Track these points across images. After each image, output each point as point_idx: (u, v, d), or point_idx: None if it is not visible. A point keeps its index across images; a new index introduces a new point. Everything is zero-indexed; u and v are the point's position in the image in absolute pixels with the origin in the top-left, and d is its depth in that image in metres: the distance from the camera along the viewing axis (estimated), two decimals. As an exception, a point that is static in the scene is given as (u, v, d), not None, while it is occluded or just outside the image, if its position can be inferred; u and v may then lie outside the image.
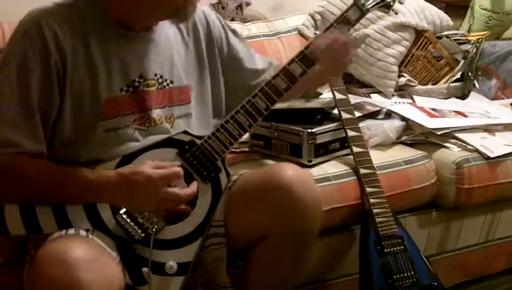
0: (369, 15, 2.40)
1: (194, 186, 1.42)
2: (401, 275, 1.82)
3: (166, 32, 1.52)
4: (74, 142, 1.40)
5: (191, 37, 1.57)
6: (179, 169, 1.39)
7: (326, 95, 2.11)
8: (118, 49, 1.43)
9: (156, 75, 1.48)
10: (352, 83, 2.55)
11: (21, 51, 1.34)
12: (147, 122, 1.46)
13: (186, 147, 1.44)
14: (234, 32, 1.68)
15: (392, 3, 1.59)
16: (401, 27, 2.45)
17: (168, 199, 1.37)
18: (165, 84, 1.49)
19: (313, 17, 2.55)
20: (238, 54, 1.65)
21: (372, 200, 1.85)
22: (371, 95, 2.47)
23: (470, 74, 2.50)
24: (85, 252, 1.21)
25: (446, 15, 2.59)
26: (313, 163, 1.93)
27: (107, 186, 1.37)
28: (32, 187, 1.35)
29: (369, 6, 1.55)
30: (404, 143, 2.18)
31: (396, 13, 1.64)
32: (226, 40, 1.64)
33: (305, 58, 1.50)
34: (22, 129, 1.34)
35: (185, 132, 1.45)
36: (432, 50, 2.50)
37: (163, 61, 1.49)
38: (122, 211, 1.38)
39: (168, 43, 1.51)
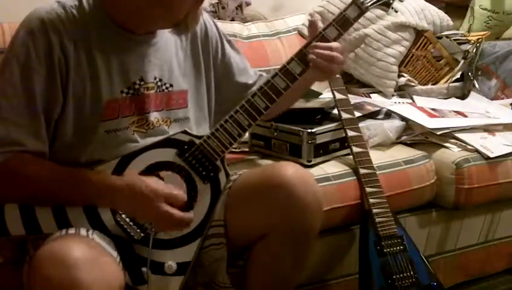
0: (369, 15, 2.41)
1: (191, 213, 1.41)
2: (401, 275, 1.82)
3: (166, 36, 1.52)
4: (75, 143, 1.39)
5: (189, 42, 1.58)
6: (183, 194, 1.39)
7: (326, 95, 2.11)
8: (119, 51, 1.43)
9: (155, 78, 1.48)
10: (352, 83, 2.55)
11: (25, 50, 1.34)
12: (145, 125, 1.46)
13: (185, 147, 1.44)
14: (230, 43, 1.68)
15: (391, 1, 1.59)
16: (401, 27, 2.45)
17: (164, 217, 1.35)
18: (163, 87, 1.49)
19: (312, 17, 2.55)
20: (232, 65, 1.66)
21: (372, 200, 1.85)
22: (371, 95, 2.47)
23: (469, 74, 2.50)
24: (84, 252, 1.21)
25: (446, 15, 2.59)
26: (312, 163, 1.93)
27: (109, 191, 1.36)
28: (35, 186, 1.35)
29: (368, 4, 1.55)
30: (404, 143, 2.18)
31: (396, 11, 1.64)
32: (222, 49, 1.64)
33: (304, 57, 1.50)
34: (25, 128, 1.34)
35: (184, 132, 1.45)
36: (432, 50, 2.50)
37: (163, 65, 1.50)
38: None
39: (168, 47, 1.52)
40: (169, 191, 1.36)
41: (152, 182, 1.36)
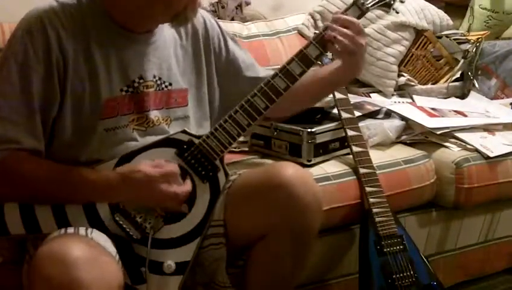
0: (368, 14, 2.40)
1: (188, 184, 1.42)
2: (401, 275, 1.82)
3: (166, 35, 1.52)
4: (74, 142, 1.40)
5: (190, 42, 1.58)
6: (176, 167, 1.40)
7: (326, 94, 2.10)
8: (118, 50, 1.43)
9: (154, 76, 1.48)
10: (352, 82, 2.55)
11: (23, 49, 1.34)
12: (145, 123, 1.46)
13: (185, 146, 1.44)
14: (233, 39, 1.68)
15: (392, 2, 1.59)
16: (400, 26, 2.45)
17: (168, 197, 1.38)
18: (163, 86, 1.49)
19: (312, 17, 2.55)
20: (238, 61, 1.66)
21: (371, 200, 1.85)
22: (371, 94, 2.47)
23: (469, 73, 2.50)
24: (84, 251, 1.21)
25: (446, 14, 2.59)
26: (312, 163, 1.93)
27: (107, 186, 1.37)
28: (30, 184, 1.35)
29: (369, 5, 1.54)
30: (404, 143, 2.18)
31: (397, 12, 1.63)
32: (225, 47, 1.64)
33: (304, 57, 1.49)
34: (22, 127, 1.34)
35: (184, 132, 1.45)
36: (432, 49, 2.50)
37: (162, 64, 1.50)
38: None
39: (167, 46, 1.52)
40: (163, 170, 1.37)
41: (145, 166, 1.37)
